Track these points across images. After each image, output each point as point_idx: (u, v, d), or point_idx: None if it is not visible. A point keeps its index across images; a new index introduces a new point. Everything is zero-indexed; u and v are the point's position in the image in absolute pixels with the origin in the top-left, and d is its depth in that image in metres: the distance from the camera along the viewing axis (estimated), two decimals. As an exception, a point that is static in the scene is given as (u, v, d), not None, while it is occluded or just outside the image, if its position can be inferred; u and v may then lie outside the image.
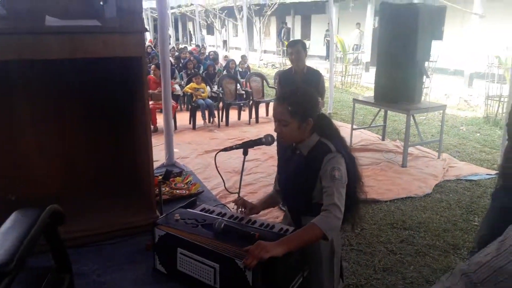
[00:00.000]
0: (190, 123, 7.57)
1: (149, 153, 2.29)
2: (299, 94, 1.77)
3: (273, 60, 18.10)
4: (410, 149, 5.62)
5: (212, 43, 26.78)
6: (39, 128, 2.36)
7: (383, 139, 6.50)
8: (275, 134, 1.93)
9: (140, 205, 2.30)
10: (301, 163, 1.78)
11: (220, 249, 1.57)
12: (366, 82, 11.86)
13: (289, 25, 20.03)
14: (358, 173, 1.80)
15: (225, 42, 22.82)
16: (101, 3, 2.45)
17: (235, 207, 1.98)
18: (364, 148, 6.10)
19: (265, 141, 2.00)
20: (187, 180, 2.95)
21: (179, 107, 8.62)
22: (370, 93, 7.95)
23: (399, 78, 5.46)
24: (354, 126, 6.32)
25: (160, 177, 2.63)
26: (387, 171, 5.17)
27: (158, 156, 4.65)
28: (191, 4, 21.03)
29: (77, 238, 2.03)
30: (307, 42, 17.45)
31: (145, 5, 15.77)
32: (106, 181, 2.55)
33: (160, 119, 6.42)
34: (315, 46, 17.60)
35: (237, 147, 2.03)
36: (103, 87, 2.26)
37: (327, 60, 15.23)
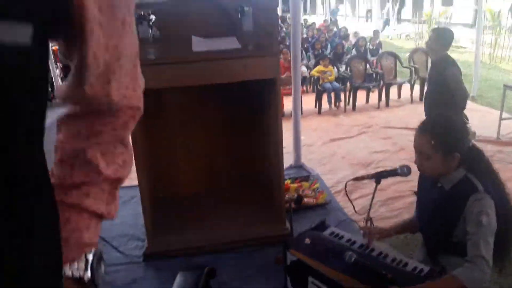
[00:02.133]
0: (315, 106, 7.52)
1: (279, 159, 2.37)
2: (446, 126, 1.62)
3: (408, 30, 16.71)
4: None
5: (341, 13, 25.93)
6: (186, 133, 2.63)
7: (541, 131, 5.59)
8: (412, 165, 1.80)
9: (270, 214, 2.42)
10: (442, 199, 1.65)
11: (350, 285, 1.57)
12: (521, 55, 10.25)
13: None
14: (511, 217, 1.59)
15: (369, 12, 21.44)
16: (239, 15, 2.56)
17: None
18: (516, 141, 5.34)
19: (400, 172, 1.89)
20: (314, 186, 2.98)
21: (305, 89, 8.63)
22: (526, 73, 6.84)
23: None
24: (505, 115, 5.56)
25: (289, 181, 2.72)
26: (542, 172, 4.46)
27: (286, 142, 4.70)
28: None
29: (211, 245, 2.24)
30: (449, 8, 15.67)
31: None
32: (240, 184, 2.74)
33: (287, 102, 6.55)
34: (459, 12, 15.68)
35: (369, 177, 1.96)
36: (240, 99, 2.40)
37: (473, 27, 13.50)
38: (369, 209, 1.99)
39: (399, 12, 18.51)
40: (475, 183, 1.57)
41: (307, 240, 1.87)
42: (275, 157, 2.28)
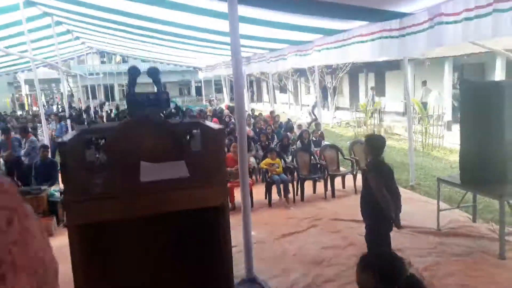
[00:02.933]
0: (265, 198, 7.62)
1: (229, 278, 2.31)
2: (384, 262, 1.72)
3: (346, 117, 17.96)
4: (508, 237, 5.08)
5: (284, 101, 27.52)
6: (133, 267, 2.52)
7: (474, 221, 5.97)
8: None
9: None
10: None
11: None
12: (449, 142, 11.21)
13: (362, 82, 19.97)
14: None
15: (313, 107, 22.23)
16: (188, 138, 2.65)
17: None
18: (453, 232, 5.62)
19: None
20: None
21: (255, 179, 8.78)
22: (455, 157, 7.41)
23: (487, 158, 5.09)
24: (442, 205, 5.93)
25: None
26: (482, 265, 4.69)
27: (236, 240, 4.55)
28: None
29: None
30: (382, 99, 17.17)
31: (223, 72, 16.77)
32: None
33: (237, 194, 6.58)
34: (391, 102, 17.23)
35: None
36: (188, 226, 2.39)
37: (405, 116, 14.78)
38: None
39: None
40: None
41: None
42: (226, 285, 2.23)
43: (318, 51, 7.20)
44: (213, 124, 2.35)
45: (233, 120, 13.17)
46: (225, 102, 29.15)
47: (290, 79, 22.79)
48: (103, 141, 2.39)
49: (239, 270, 4.10)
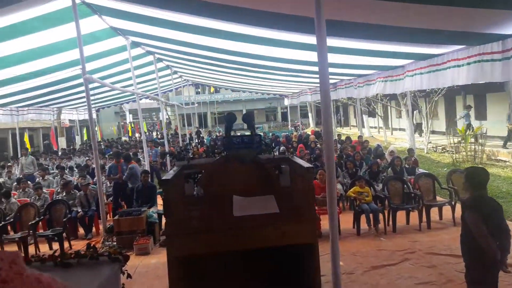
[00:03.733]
0: (353, 227, 7.39)
1: None
2: None
3: (442, 142, 16.78)
4: None
5: (373, 125, 26.68)
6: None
7: None
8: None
9: None
10: None
11: None
12: None
13: (459, 105, 18.61)
14: None
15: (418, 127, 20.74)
16: (277, 172, 2.74)
17: None
18: None
19: None
20: None
21: (342, 207, 8.60)
22: None
23: None
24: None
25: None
26: None
27: (323, 270, 4.51)
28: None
29: None
30: (484, 123, 15.81)
31: (309, 98, 16.89)
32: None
33: (324, 222, 6.48)
34: (493, 126, 15.77)
35: None
36: (278, 263, 2.45)
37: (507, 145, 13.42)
38: None
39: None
40: None
41: None
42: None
43: (410, 76, 6.95)
44: (302, 162, 2.41)
45: (318, 145, 13.11)
46: (310, 127, 29.14)
47: (379, 103, 22.08)
48: (199, 175, 2.58)
49: (327, 304, 4.02)
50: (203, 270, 2.59)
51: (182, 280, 2.22)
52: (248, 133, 2.48)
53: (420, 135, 19.21)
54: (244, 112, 32.59)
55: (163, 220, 8.08)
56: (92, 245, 2.61)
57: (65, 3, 5.76)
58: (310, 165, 2.10)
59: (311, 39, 5.49)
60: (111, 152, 17.07)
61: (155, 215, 7.84)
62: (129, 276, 2.64)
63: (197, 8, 5.11)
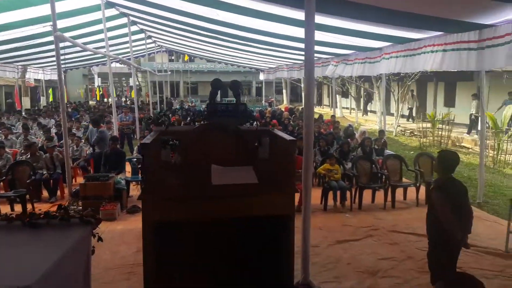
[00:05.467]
0: (321, 202, 7.55)
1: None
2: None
3: (411, 126, 17.26)
4: None
5: (346, 105, 27.04)
6: (196, 257, 2.66)
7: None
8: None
9: None
10: None
11: None
12: (524, 160, 10.45)
13: (430, 91, 19.09)
14: None
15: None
16: (256, 144, 2.73)
17: None
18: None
19: None
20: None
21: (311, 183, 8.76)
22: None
23: None
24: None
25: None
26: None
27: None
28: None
29: None
30: (452, 110, 16.33)
31: (285, 75, 16.86)
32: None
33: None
34: (460, 114, 16.32)
35: None
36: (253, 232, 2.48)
37: (471, 133, 13.95)
38: None
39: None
40: None
41: None
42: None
43: (387, 59, 7.03)
44: (285, 135, 2.41)
45: (291, 122, 13.19)
46: (284, 103, 29.18)
47: (352, 84, 22.33)
48: (178, 142, 2.55)
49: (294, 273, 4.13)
50: (178, 237, 2.59)
51: (156, 244, 2.22)
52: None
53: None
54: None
55: (131, 187, 8.05)
56: (63, 206, 2.55)
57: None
58: (293, 138, 2.10)
59: (296, 14, 5.41)
60: (78, 116, 16.59)
61: (123, 182, 7.74)
62: (100, 239, 2.60)
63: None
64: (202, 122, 2.41)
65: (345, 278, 4.69)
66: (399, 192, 7.79)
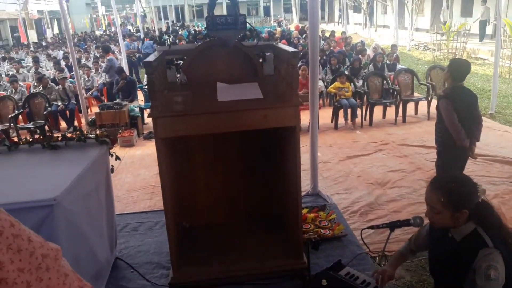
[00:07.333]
0: (332, 121, 7.62)
1: (297, 204, 2.43)
2: (456, 185, 1.70)
3: (425, 39, 16.60)
4: None
5: (358, 21, 25.93)
6: (208, 170, 2.82)
7: (557, 152, 5.57)
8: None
9: (289, 249, 2.56)
10: (453, 249, 1.73)
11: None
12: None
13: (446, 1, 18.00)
14: None
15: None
16: (261, 61, 2.72)
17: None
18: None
19: (413, 223, 1.98)
20: (330, 217, 3.11)
21: (322, 102, 8.77)
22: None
23: None
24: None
25: (306, 211, 2.84)
26: None
27: (302, 160, 4.73)
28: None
29: (232, 277, 2.40)
30: (468, 20, 15.54)
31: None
32: (258, 213, 2.90)
33: (304, 117, 6.67)
34: (477, 23, 15.54)
35: (383, 226, 2.07)
36: (260, 144, 2.57)
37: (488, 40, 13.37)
38: (384, 249, 2.09)
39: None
40: (484, 238, 1.65)
41: (324, 282, 2.01)
42: (293, 203, 2.41)
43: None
44: (287, 47, 2.39)
45: (301, 42, 12.82)
46: (294, 22, 28.11)
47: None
48: (181, 62, 2.56)
49: (304, 186, 4.32)
50: (189, 150, 2.72)
51: (169, 158, 2.35)
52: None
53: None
54: (224, 4, 30.82)
55: (145, 115, 8.20)
56: (78, 128, 2.67)
57: None
58: (295, 50, 2.09)
59: None
60: (85, 46, 16.39)
61: (137, 109, 7.87)
62: (117, 158, 2.75)
63: None
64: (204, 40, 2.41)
65: (355, 189, 4.87)
66: (410, 106, 7.75)
